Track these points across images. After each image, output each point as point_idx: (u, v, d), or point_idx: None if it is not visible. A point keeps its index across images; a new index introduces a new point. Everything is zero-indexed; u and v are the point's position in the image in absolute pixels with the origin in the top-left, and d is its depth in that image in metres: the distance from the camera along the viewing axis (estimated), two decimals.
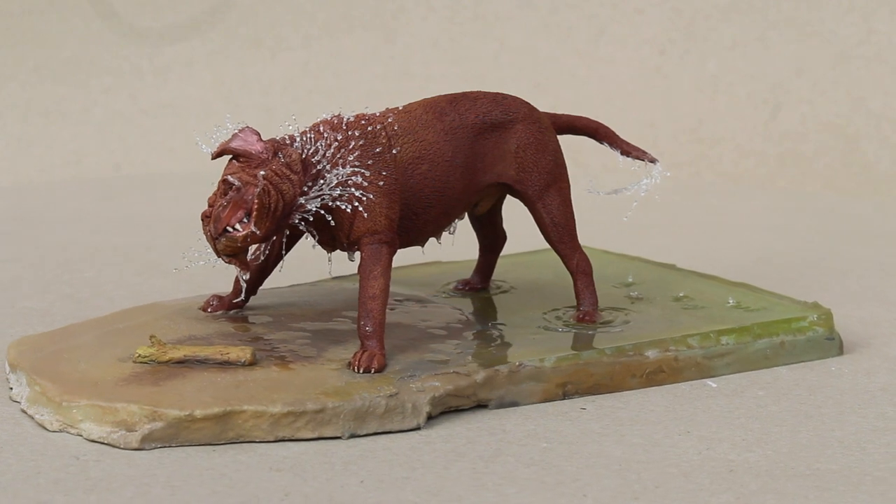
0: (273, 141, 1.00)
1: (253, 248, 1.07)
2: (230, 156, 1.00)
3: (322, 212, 1.00)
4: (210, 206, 0.99)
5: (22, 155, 1.61)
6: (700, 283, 1.17)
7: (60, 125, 1.63)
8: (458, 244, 1.27)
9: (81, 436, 0.94)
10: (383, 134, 1.03)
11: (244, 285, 1.08)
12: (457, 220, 1.08)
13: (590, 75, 1.66)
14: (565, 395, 1.02)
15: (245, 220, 0.97)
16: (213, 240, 0.98)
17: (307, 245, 1.06)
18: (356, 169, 1.00)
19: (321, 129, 1.02)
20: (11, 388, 1.01)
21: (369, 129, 1.02)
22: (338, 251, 1.04)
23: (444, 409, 0.99)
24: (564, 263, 1.09)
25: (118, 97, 1.68)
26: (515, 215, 1.18)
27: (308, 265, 1.24)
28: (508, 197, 1.11)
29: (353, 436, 0.96)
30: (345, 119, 1.03)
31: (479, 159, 1.05)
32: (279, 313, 1.08)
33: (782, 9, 1.66)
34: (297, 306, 1.10)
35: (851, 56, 1.64)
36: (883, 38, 1.64)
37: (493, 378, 1.00)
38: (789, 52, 1.63)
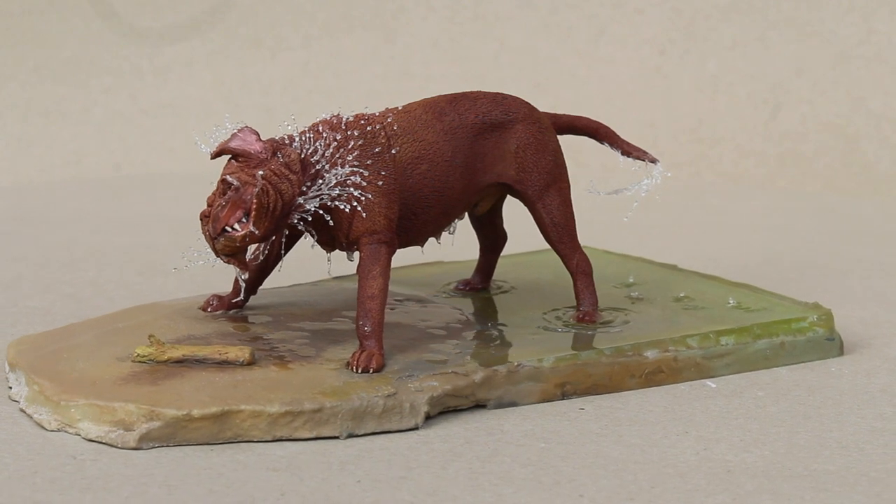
0: (272, 141, 1.00)
1: (252, 247, 1.07)
2: (229, 155, 1.00)
3: (321, 212, 1.00)
4: (209, 205, 0.99)
5: (22, 155, 1.61)
6: (701, 284, 1.17)
7: (60, 125, 1.63)
8: (459, 244, 1.27)
9: (79, 435, 0.95)
10: (382, 134, 1.03)
11: (243, 285, 1.08)
12: (457, 221, 1.08)
13: (590, 75, 1.66)
14: (564, 396, 1.02)
15: (244, 219, 0.97)
16: (212, 239, 0.98)
17: (308, 245, 1.06)
18: (355, 169, 1.00)
19: (320, 128, 1.02)
20: (10, 388, 1.01)
21: (368, 129, 1.02)
22: (337, 251, 1.04)
23: (443, 409, 0.99)
24: (564, 263, 1.09)
25: (118, 97, 1.69)
26: (515, 215, 1.18)
27: (308, 265, 1.24)
28: (509, 197, 1.11)
29: (350, 435, 0.96)
30: (344, 119, 1.03)
31: (479, 159, 1.05)
32: (279, 313, 1.09)
33: (782, 9, 1.66)
34: (297, 306, 1.10)
35: (851, 56, 1.64)
36: (883, 38, 1.64)
37: (491, 378, 1.00)
38: (789, 52, 1.63)
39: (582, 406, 1.01)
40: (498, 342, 1.05)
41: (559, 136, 1.10)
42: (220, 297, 1.09)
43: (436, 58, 1.68)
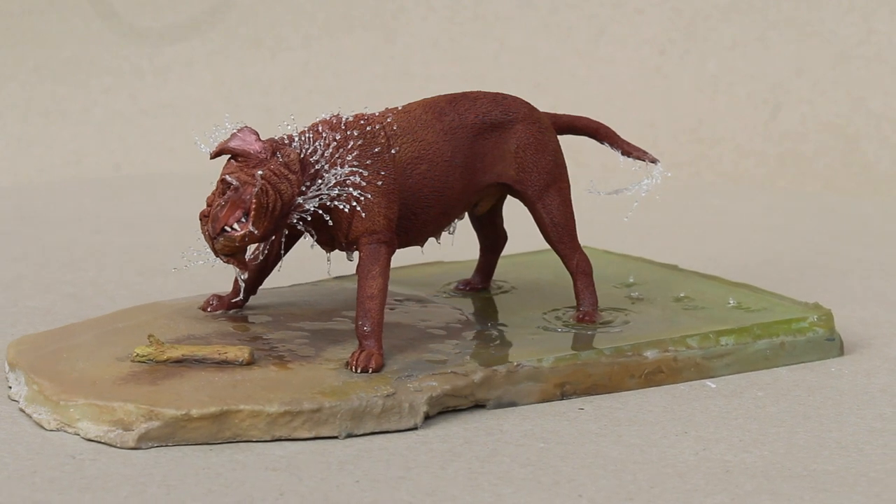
0: (271, 141, 1.00)
1: (252, 247, 1.07)
2: (228, 155, 1.00)
3: (320, 212, 1.00)
4: (208, 205, 0.99)
5: (22, 155, 1.61)
6: (701, 284, 1.17)
7: (60, 125, 1.63)
8: (460, 244, 1.27)
9: (78, 435, 0.95)
10: (382, 134, 1.03)
11: (242, 285, 1.08)
12: (456, 221, 1.08)
13: (590, 75, 1.66)
14: (563, 396, 1.02)
15: (243, 219, 0.97)
16: (212, 239, 0.99)
17: (308, 245, 1.06)
18: (354, 169, 1.00)
19: (320, 128, 1.02)
20: (10, 387, 1.01)
21: (368, 129, 1.02)
22: (337, 251, 1.04)
23: (442, 409, 0.99)
24: (564, 264, 1.09)
25: (118, 97, 1.69)
26: (516, 215, 1.18)
27: (309, 265, 1.24)
28: (509, 197, 1.11)
29: (349, 435, 0.96)
30: (343, 119, 1.03)
31: (479, 159, 1.05)
32: (279, 313, 1.09)
33: (782, 9, 1.66)
34: (297, 306, 1.10)
35: (851, 56, 1.63)
36: (883, 38, 1.64)
37: (490, 378, 1.00)
38: (789, 52, 1.63)
39: (581, 406, 1.01)
40: (498, 342, 1.05)
41: (559, 136, 1.10)
42: (219, 297, 1.09)
43: (436, 58, 1.68)
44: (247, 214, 0.97)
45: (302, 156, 1.00)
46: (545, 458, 0.93)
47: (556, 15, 1.69)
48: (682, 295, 1.14)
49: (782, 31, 1.63)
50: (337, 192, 1.00)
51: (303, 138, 1.01)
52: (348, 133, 1.02)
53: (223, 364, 0.99)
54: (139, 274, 1.28)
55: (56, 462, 0.91)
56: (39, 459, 0.92)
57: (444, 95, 1.07)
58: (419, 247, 1.09)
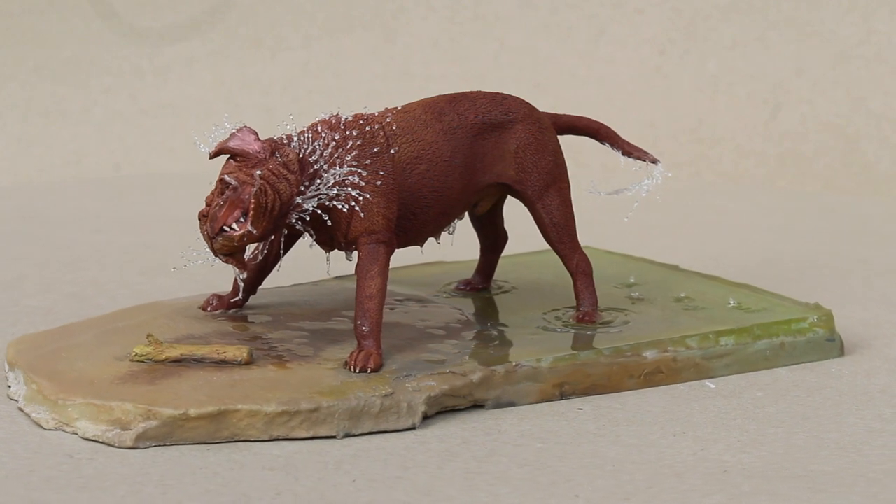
0: (270, 140, 1.00)
1: (252, 247, 1.07)
2: (227, 155, 1.00)
3: (319, 211, 1.00)
4: (207, 205, 0.99)
5: (22, 155, 1.61)
6: (702, 284, 1.17)
7: (60, 125, 1.63)
8: (460, 244, 1.27)
9: (77, 434, 0.95)
10: (381, 134, 1.03)
11: (241, 285, 1.08)
12: (456, 221, 1.08)
13: (590, 75, 1.66)
14: (562, 396, 1.02)
15: (242, 219, 0.98)
16: (210, 239, 0.99)
17: (309, 245, 1.06)
18: (353, 168, 1.00)
19: (319, 128, 1.02)
20: (10, 387, 1.01)
21: (367, 128, 1.02)
22: (336, 251, 1.04)
23: (441, 409, 0.99)
24: (564, 264, 1.09)
25: (118, 97, 1.69)
26: (516, 216, 1.18)
27: (309, 265, 1.24)
28: (509, 197, 1.11)
29: (347, 435, 0.96)
30: (343, 119, 1.03)
31: (479, 159, 1.05)
32: (279, 312, 1.09)
33: (782, 9, 1.65)
34: (297, 306, 1.10)
35: (851, 56, 1.63)
36: (883, 38, 1.64)
37: (489, 378, 1.00)
38: (789, 52, 1.63)
39: (580, 406, 1.01)
40: (497, 342, 1.04)
41: (560, 137, 1.10)
42: (219, 297, 1.09)
43: (436, 58, 1.68)
44: (245, 214, 0.97)
45: (301, 156, 1.00)
46: (543, 458, 0.93)
47: (556, 15, 1.69)
48: (682, 295, 1.14)
49: (782, 31, 1.63)
50: (336, 191, 1.00)
51: (302, 138, 1.01)
52: (347, 133, 1.02)
53: (222, 364, 0.99)
54: (141, 274, 1.29)
55: (54, 461, 0.91)
56: (37, 458, 0.92)
57: (444, 95, 1.07)
58: (419, 247, 1.09)
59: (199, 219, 0.99)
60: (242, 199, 0.98)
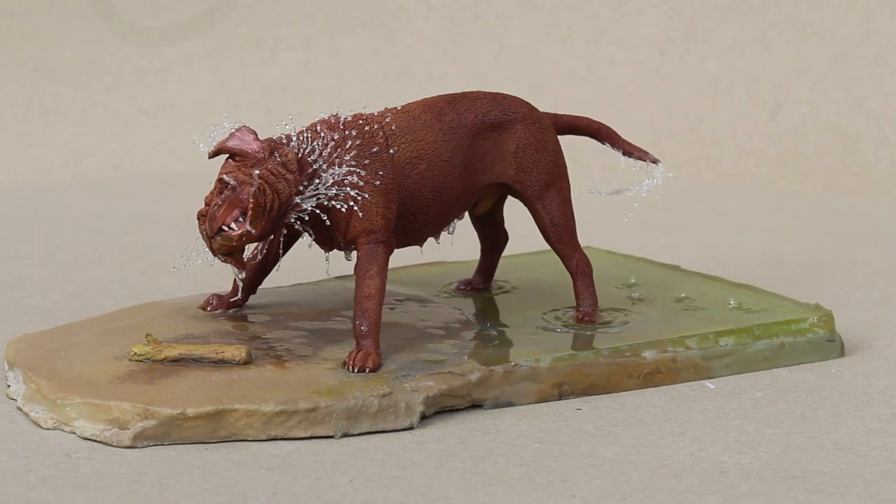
0: (270, 140, 1.00)
1: (251, 247, 1.07)
2: (226, 155, 1.00)
3: (318, 211, 1.00)
4: (206, 204, 0.99)
5: (22, 155, 1.61)
6: (702, 285, 1.17)
7: (60, 125, 1.63)
8: (461, 245, 1.27)
9: (75, 433, 0.95)
10: (381, 134, 1.03)
11: (240, 284, 1.08)
12: (456, 221, 1.08)
13: (590, 75, 1.66)
14: (561, 396, 1.02)
15: (240, 219, 0.98)
16: (209, 239, 0.99)
17: (307, 245, 1.06)
18: (352, 168, 1.00)
19: (318, 128, 1.02)
20: (9, 386, 1.01)
21: (366, 128, 1.02)
22: (335, 250, 1.04)
23: (439, 409, 0.99)
24: (564, 264, 1.09)
25: (118, 97, 1.69)
26: (517, 216, 1.18)
27: (310, 265, 1.24)
28: (510, 197, 1.11)
29: (345, 435, 0.96)
30: (342, 119, 1.03)
31: (478, 159, 1.05)
32: (278, 312, 1.09)
33: (782, 9, 1.65)
34: (297, 305, 1.10)
35: (851, 56, 1.63)
36: (883, 38, 1.64)
37: (488, 378, 1.00)
38: (789, 52, 1.63)
39: (579, 406, 1.01)
40: (496, 342, 1.04)
41: (560, 137, 1.10)
42: (219, 297, 1.09)
43: (436, 58, 1.68)
44: (244, 214, 0.97)
45: (300, 155, 1.00)
46: (540, 458, 0.93)
47: (556, 15, 1.69)
48: (682, 295, 1.14)
49: (782, 31, 1.63)
50: (334, 191, 1.00)
51: (301, 138, 1.01)
52: (346, 133, 1.02)
53: (220, 363, 0.99)
54: (144, 273, 1.29)
55: (51, 461, 0.91)
56: (35, 458, 0.92)
57: (444, 95, 1.07)
58: (418, 247, 1.09)
59: (198, 218, 0.99)
60: (241, 199, 0.98)
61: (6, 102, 1.64)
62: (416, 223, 1.04)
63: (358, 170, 1.01)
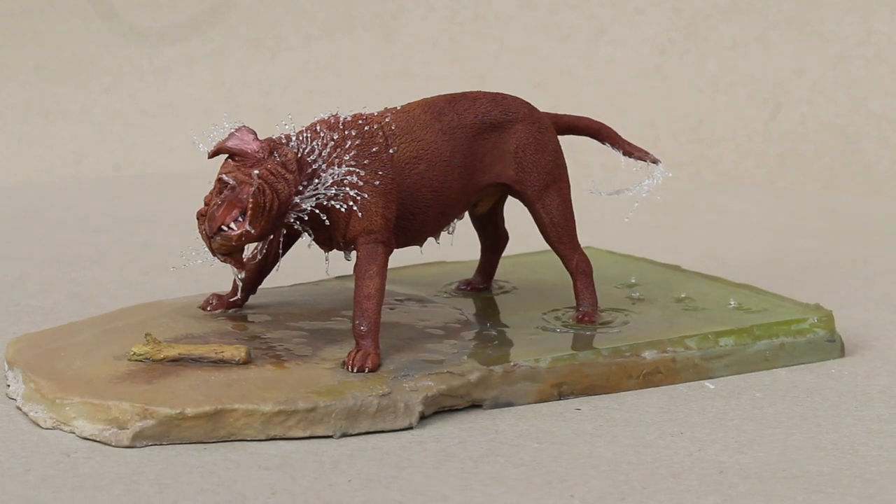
0: (269, 140, 1.00)
1: (251, 247, 1.07)
2: (226, 155, 1.00)
3: (317, 211, 1.00)
4: (206, 204, 0.99)
5: (22, 155, 1.62)
6: (703, 285, 1.16)
7: (60, 125, 1.63)
8: (461, 245, 1.27)
9: (74, 433, 0.95)
10: (380, 133, 1.03)
11: (240, 284, 1.08)
12: (456, 221, 1.08)
13: (590, 75, 1.66)
14: (561, 396, 1.02)
15: (240, 219, 0.98)
16: (209, 238, 0.99)
17: (312, 245, 1.06)
18: (352, 168, 1.00)
19: (318, 128, 1.02)
20: (9, 385, 1.02)
21: (366, 128, 1.02)
22: (335, 250, 1.04)
23: (439, 409, 0.99)
24: (564, 264, 1.09)
25: (118, 97, 1.69)
26: (518, 216, 1.18)
27: (310, 264, 1.24)
28: (510, 197, 1.11)
29: (344, 435, 0.96)
30: (342, 118, 1.03)
31: (478, 159, 1.05)
32: (278, 312, 1.09)
33: (782, 9, 1.65)
34: (297, 305, 1.10)
35: (851, 56, 1.63)
36: (883, 38, 1.64)
37: (487, 378, 1.00)
38: (789, 52, 1.63)
39: (578, 407, 1.01)
40: (496, 342, 1.04)
41: (561, 137, 1.10)
42: (219, 296, 1.09)
43: (436, 58, 1.68)
44: (243, 214, 0.97)
45: (299, 155, 1.00)
46: (539, 458, 0.93)
47: (556, 15, 1.69)
48: (683, 296, 1.14)
49: (782, 31, 1.63)
50: (334, 191, 1.00)
51: (300, 138, 1.01)
52: (346, 133, 1.02)
53: (220, 363, 0.99)
54: (145, 273, 1.29)
55: (50, 460, 0.91)
56: (34, 457, 0.92)
57: (444, 95, 1.07)
58: (418, 247, 1.09)
59: (198, 218, 0.99)
60: (240, 199, 0.98)
61: (6, 102, 1.64)
62: (416, 223, 1.04)
63: (357, 170, 1.01)
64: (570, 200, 1.08)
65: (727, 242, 1.41)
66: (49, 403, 0.96)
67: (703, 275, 1.20)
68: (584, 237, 1.25)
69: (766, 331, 1.08)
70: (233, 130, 1.00)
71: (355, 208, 1.00)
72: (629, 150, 1.12)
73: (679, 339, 1.05)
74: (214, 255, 0.99)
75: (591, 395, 1.03)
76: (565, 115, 1.12)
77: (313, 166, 1.00)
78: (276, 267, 1.08)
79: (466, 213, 1.11)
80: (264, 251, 1.08)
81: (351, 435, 0.96)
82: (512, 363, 1.01)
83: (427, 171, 1.03)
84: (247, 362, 0.99)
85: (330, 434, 0.95)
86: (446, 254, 1.28)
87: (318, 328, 1.06)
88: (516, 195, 1.08)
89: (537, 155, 1.07)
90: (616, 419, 0.99)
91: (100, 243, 1.38)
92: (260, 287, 1.10)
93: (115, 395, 0.95)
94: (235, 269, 1.01)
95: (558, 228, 1.07)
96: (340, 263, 1.17)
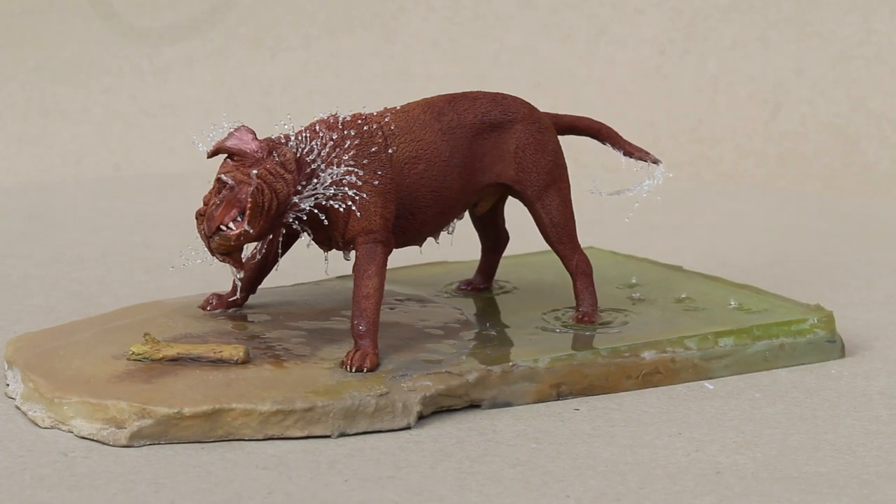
0: (268, 140, 1.00)
1: (250, 246, 1.07)
2: (225, 154, 1.00)
3: (316, 211, 1.00)
4: (205, 204, 0.99)
5: (22, 155, 1.62)
6: (704, 285, 1.16)
7: (60, 125, 1.64)
8: (462, 245, 1.27)
9: (72, 432, 0.95)
10: (380, 133, 1.03)
11: (239, 284, 1.08)
12: (456, 220, 1.08)
13: (590, 75, 1.66)
14: (559, 396, 1.02)
15: (238, 218, 0.98)
16: (207, 238, 0.99)
17: (311, 245, 1.06)
18: (350, 168, 1.00)
19: (317, 128, 1.02)
20: (8, 385, 1.02)
21: (365, 128, 1.02)
22: (334, 250, 1.04)
23: (437, 409, 0.99)
24: (564, 264, 1.08)
25: (118, 97, 1.69)
26: (519, 216, 1.18)
27: (312, 264, 1.24)
28: (511, 197, 1.11)
29: (342, 435, 0.96)
30: (341, 118, 1.03)
31: (478, 159, 1.05)
32: (278, 312, 1.09)
33: (782, 9, 1.65)
34: (297, 305, 1.10)
35: (851, 56, 1.63)
36: (883, 38, 1.64)
37: (485, 378, 1.00)
38: (789, 52, 1.63)
39: (577, 407, 1.01)
40: (495, 342, 1.04)
41: (561, 137, 1.10)
42: (219, 296, 1.09)
43: (436, 58, 1.68)
44: (242, 213, 0.97)
45: (298, 155, 1.00)
46: (536, 458, 0.93)
47: (556, 15, 1.69)
48: (683, 296, 1.14)
49: (782, 31, 1.63)
50: (333, 191, 1.00)
51: (300, 138, 1.01)
52: (345, 132, 1.02)
53: (218, 363, 0.99)
54: (147, 273, 1.29)
55: (47, 459, 0.92)
56: (31, 457, 0.92)
57: (444, 95, 1.07)
58: (417, 247, 1.09)
59: (197, 218, 0.99)
60: (239, 199, 0.98)
61: (6, 102, 1.65)
62: (415, 223, 1.04)
63: (356, 169, 1.00)
64: (570, 200, 1.08)
65: (728, 243, 1.41)
66: (47, 403, 0.96)
67: (704, 275, 1.20)
68: (585, 237, 1.25)
69: (766, 331, 1.08)
70: (232, 130, 1.00)
71: (354, 208, 1.00)
72: (630, 151, 1.12)
73: (678, 340, 1.05)
74: (213, 255, 0.99)
75: (589, 395, 1.03)
76: (565, 115, 1.12)
77: (312, 166, 1.00)
78: (275, 267, 1.08)
79: (466, 213, 1.11)
80: (263, 251, 1.08)
81: (349, 435, 0.95)
82: (511, 363, 1.01)
83: (426, 171, 1.03)
84: (245, 362, 1.00)
85: (328, 434, 0.95)
86: (447, 254, 1.28)
87: (317, 328, 1.06)
88: (516, 195, 1.08)
89: (537, 155, 1.06)
90: (614, 419, 0.99)
91: (101, 243, 1.38)
92: (260, 287, 1.10)
93: (113, 395, 0.95)
94: (234, 269, 1.01)
95: (558, 228, 1.07)
96: (340, 263, 1.17)
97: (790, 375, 1.07)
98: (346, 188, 1.00)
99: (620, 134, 1.13)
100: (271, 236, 1.06)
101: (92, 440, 0.94)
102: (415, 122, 1.04)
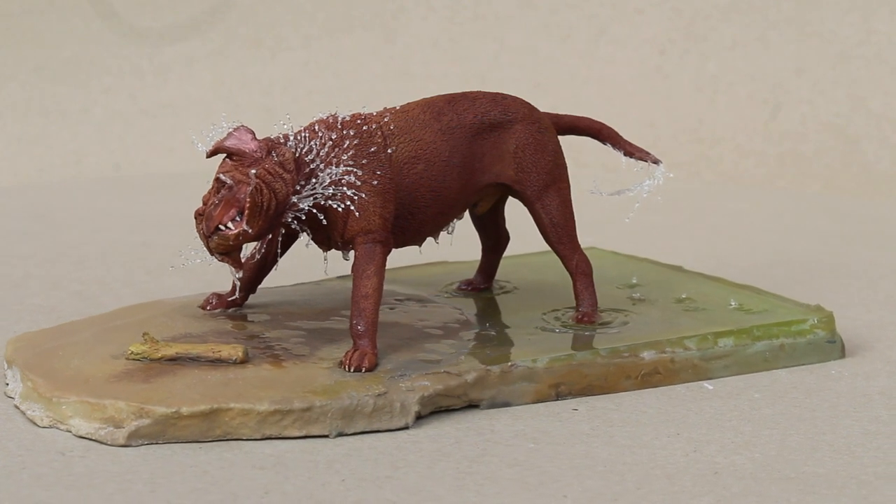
0: (267, 140, 1.00)
1: (251, 246, 1.07)
2: (224, 154, 1.00)
3: (315, 211, 1.00)
4: (204, 203, 0.99)
5: (22, 155, 1.62)
6: (704, 285, 1.16)
7: (60, 125, 1.64)
8: (463, 245, 1.27)
9: (70, 432, 0.95)
10: (379, 133, 1.03)
11: (238, 283, 1.08)
12: (455, 220, 1.08)
13: (590, 75, 1.66)
14: (558, 396, 1.02)
15: (237, 218, 0.98)
16: (206, 238, 0.99)
17: (311, 245, 1.06)
18: (349, 168, 1.00)
19: (316, 128, 1.02)
20: (7, 384, 1.02)
21: (364, 128, 1.02)
22: (334, 250, 1.04)
23: (436, 409, 0.99)
24: (564, 264, 1.08)
25: (118, 97, 1.69)
26: (519, 216, 1.18)
27: (312, 264, 1.24)
28: (512, 198, 1.11)
29: (340, 434, 0.95)
30: (340, 118, 1.03)
31: (478, 159, 1.05)
32: (278, 311, 1.09)
33: (782, 9, 1.65)
34: (297, 305, 1.10)
35: (851, 56, 1.63)
36: (883, 38, 1.63)
37: (484, 378, 1.00)
38: (789, 52, 1.63)
39: (576, 407, 1.01)
40: (494, 342, 1.04)
41: (561, 137, 1.10)
42: (219, 296, 1.09)
43: (436, 58, 1.68)
44: (241, 213, 0.98)
45: (297, 155, 1.00)
46: (534, 458, 0.93)
47: (556, 15, 1.68)
48: (683, 296, 1.14)
49: (782, 31, 1.63)
50: (332, 191, 1.00)
51: (299, 137, 1.01)
52: (344, 132, 1.02)
53: (217, 362, 0.99)
54: (148, 273, 1.29)
55: (45, 459, 0.92)
56: (29, 456, 0.92)
57: (443, 95, 1.07)
58: (417, 247, 1.09)
59: (195, 217, 0.99)
60: (238, 198, 0.98)
61: (6, 102, 1.65)
62: (415, 223, 1.04)
63: (355, 169, 1.00)
64: (569, 201, 1.08)
65: (728, 243, 1.41)
66: (46, 402, 0.96)
67: (705, 275, 1.20)
68: (586, 237, 1.25)
69: (766, 331, 1.08)
70: (231, 130, 1.00)
71: (353, 208, 1.00)
72: (630, 151, 1.11)
73: (678, 340, 1.05)
74: (212, 255, 0.99)
75: (588, 395, 1.03)
76: (566, 115, 1.12)
77: (311, 166, 1.00)
78: (275, 266, 1.09)
79: (466, 213, 1.11)
80: (263, 251, 1.08)
81: (347, 435, 0.95)
82: (509, 363, 1.01)
83: (426, 171, 1.03)
84: (244, 362, 1.00)
85: (326, 434, 0.95)
86: (447, 254, 1.28)
87: (316, 328, 1.06)
88: (516, 195, 1.08)
89: (537, 155, 1.06)
90: (613, 420, 0.99)
91: (101, 243, 1.38)
92: (260, 286, 1.10)
93: (112, 394, 0.95)
94: (233, 269, 1.01)
95: (558, 229, 1.07)
96: (340, 263, 1.17)
97: (790, 376, 1.06)
98: (345, 188, 1.00)
99: (621, 134, 1.13)
100: (270, 236, 1.06)
101: (90, 439, 0.94)
102: (414, 122, 1.04)
